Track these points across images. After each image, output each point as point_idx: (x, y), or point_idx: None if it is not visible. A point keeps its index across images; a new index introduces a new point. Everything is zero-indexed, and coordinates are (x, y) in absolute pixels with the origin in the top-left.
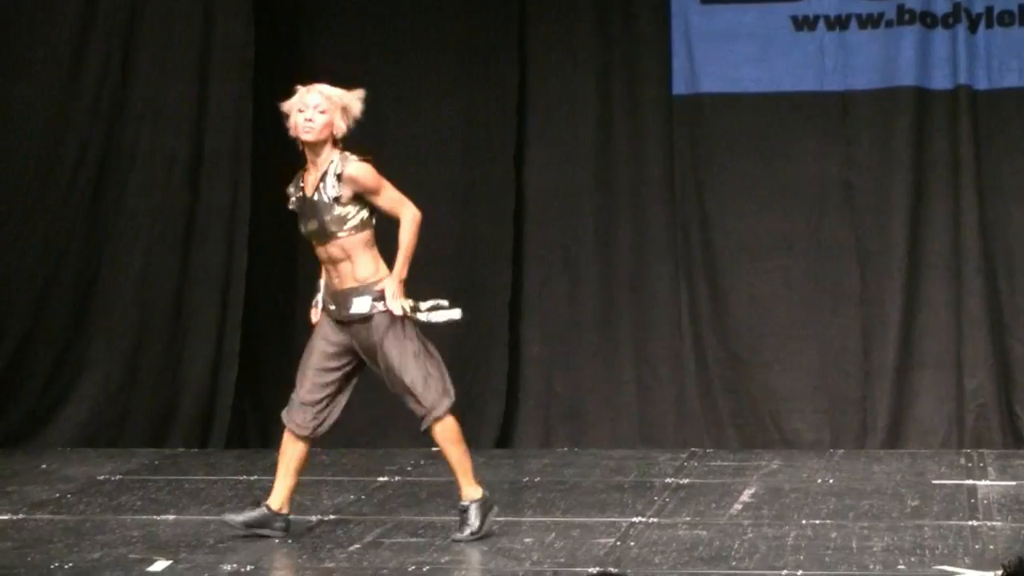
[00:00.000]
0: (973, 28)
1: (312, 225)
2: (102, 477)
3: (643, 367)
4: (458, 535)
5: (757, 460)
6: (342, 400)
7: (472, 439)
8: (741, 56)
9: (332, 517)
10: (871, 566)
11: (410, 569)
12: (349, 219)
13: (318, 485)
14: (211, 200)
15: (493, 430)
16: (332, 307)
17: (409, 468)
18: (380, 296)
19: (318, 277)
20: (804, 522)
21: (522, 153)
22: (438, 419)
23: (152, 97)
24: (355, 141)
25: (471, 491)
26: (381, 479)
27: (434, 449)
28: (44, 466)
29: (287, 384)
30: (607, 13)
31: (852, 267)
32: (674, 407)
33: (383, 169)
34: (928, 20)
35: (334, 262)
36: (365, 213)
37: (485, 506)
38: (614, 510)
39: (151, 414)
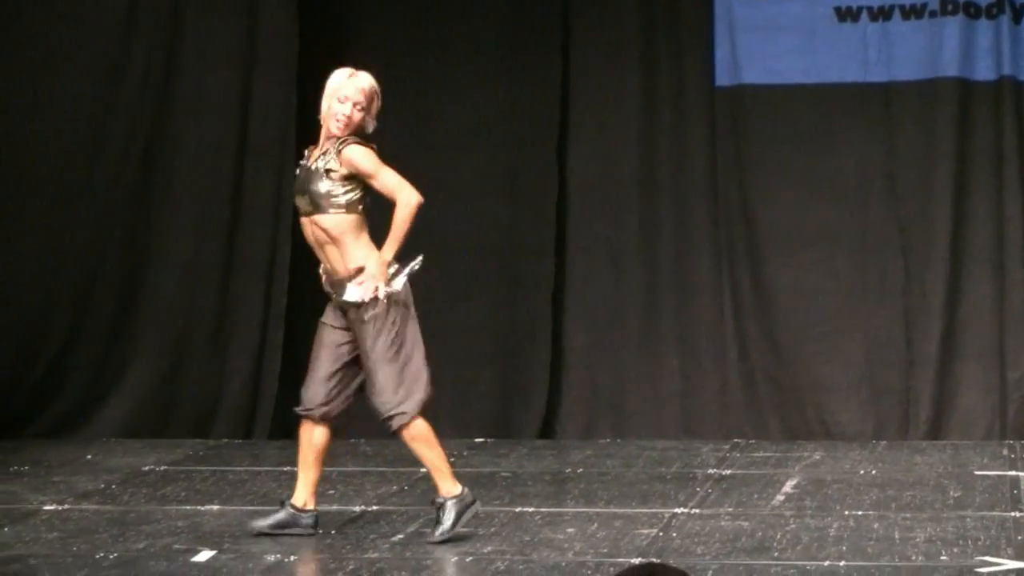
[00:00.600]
0: (1016, 19)
1: (303, 199)
2: (147, 468)
3: (686, 358)
4: (431, 536)
5: (799, 451)
6: (353, 384)
7: (515, 430)
8: (784, 47)
9: (375, 508)
10: (914, 557)
11: (453, 559)
12: (337, 196)
13: (362, 476)
14: (255, 191)
15: (536, 421)
16: (329, 290)
17: (452, 458)
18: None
19: None
20: (847, 513)
21: (565, 144)
22: (404, 424)
23: (197, 87)
24: (400, 132)
25: (448, 486)
26: (423, 470)
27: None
28: (90, 457)
29: None
30: (651, 4)
31: (895, 258)
32: (717, 398)
33: (425, 159)
34: (971, 11)
35: (320, 244)
36: (355, 195)
37: (462, 503)
38: (656, 501)
39: (196, 405)
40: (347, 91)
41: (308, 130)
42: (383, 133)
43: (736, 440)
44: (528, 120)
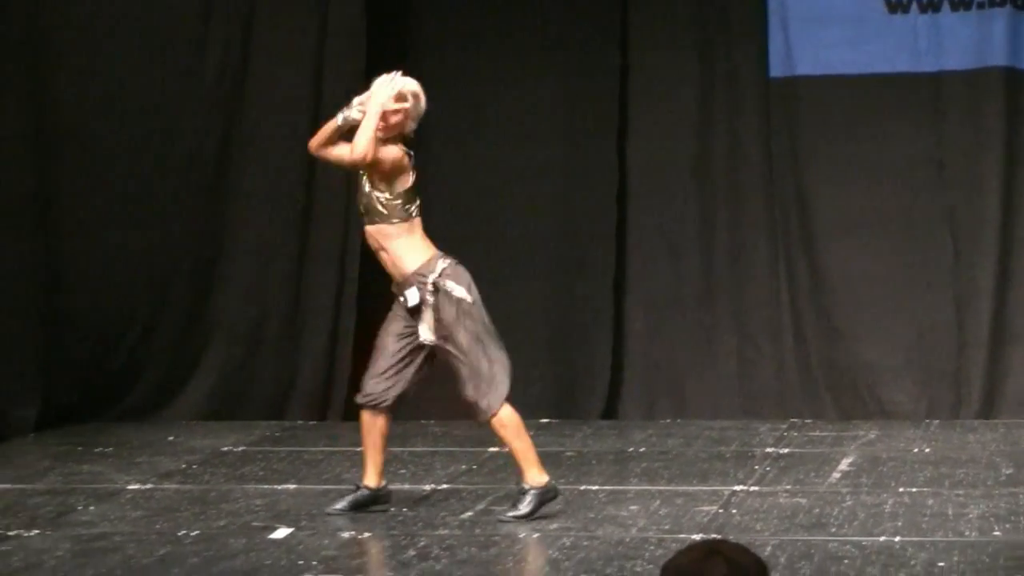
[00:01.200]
0: None
1: (359, 206)
2: (226, 448)
3: (743, 341)
4: (507, 513)
5: (855, 430)
6: (412, 373)
7: (579, 411)
8: (836, 39)
9: (445, 486)
10: (967, 532)
11: (520, 536)
12: (384, 204)
13: (432, 456)
14: (325, 182)
15: (599, 402)
16: (394, 290)
17: None
18: (430, 284)
19: None
20: (901, 490)
21: (624, 135)
22: (491, 415)
23: (270, 83)
24: (466, 122)
25: (535, 476)
26: (492, 449)
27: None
28: (171, 438)
29: None
30: None
31: (945, 243)
32: (774, 379)
33: (491, 149)
34: (1019, 1)
35: (376, 250)
36: (400, 201)
37: (545, 495)
38: (716, 479)
39: (272, 388)
40: (399, 93)
41: None
42: (450, 123)
43: (793, 420)
44: (589, 112)
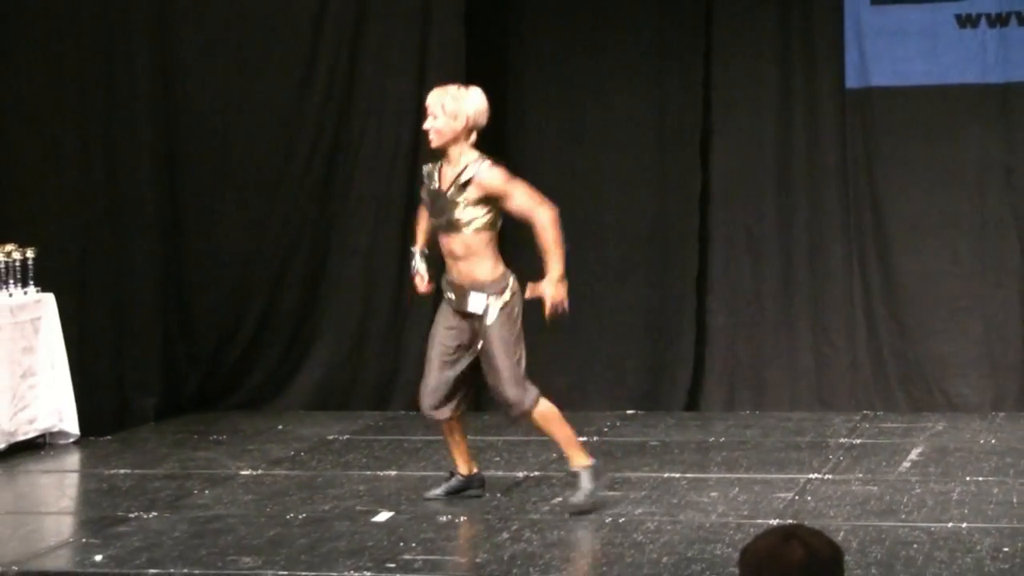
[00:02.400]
0: None
1: (441, 219)
2: (332, 437)
3: (819, 336)
4: (572, 500)
5: (924, 422)
6: (462, 377)
7: (663, 402)
8: (909, 51)
9: (536, 474)
10: None
11: (607, 520)
12: (476, 219)
13: (524, 445)
14: None
15: (682, 394)
16: (451, 296)
17: (605, 429)
18: (495, 293)
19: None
20: (968, 479)
21: (708, 142)
22: (526, 411)
23: (376, 93)
24: (560, 130)
25: (580, 459)
26: (580, 439)
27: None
28: (281, 427)
29: None
30: (787, 13)
31: (1013, 244)
32: (848, 373)
33: (582, 155)
34: None
35: (455, 258)
36: (492, 215)
37: (596, 472)
38: (792, 467)
39: (375, 380)
40: (427, 104)
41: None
42: (546, 131)
43: (865, 412)
44: (675, 120)
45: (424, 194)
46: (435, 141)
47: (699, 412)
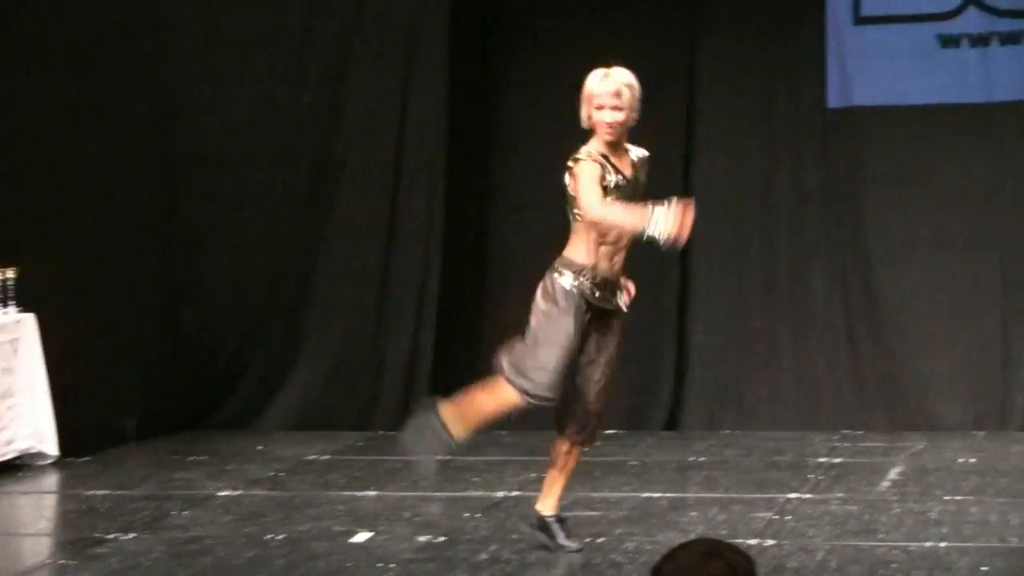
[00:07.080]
0: None
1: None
2: (312, 457)
3: (800, 356)
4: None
5: (904, 441)
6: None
7: (643, 422)
8: (891, 71)
9: (516, 493)
10: (1009, 539)
11: (586, 540)
12: None
13: (503, 465)
14: (410, 209)
15: (662, 413)
16: (597, 294)
17: (586, 448)
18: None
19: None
20: (947, 498)
21: (690, 160)
22: (502, 376)
23: (360, 113)
24: (542, 154)
25: (459, 430)
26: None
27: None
28: (261, 447)
29: (477, 374)
30: (768, 34)
31: (994, 263)
32: (828, 393)
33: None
34: None
35: (620, 248)
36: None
37: (439, 447)
38: (772, 487)
39: (356, 401)
40: (602, 99)
41: (456, 153)
42: (530, 152)
43: (845, 431)
44: (656, 140)
45: (614, 190)
46: (614, 135)
47: (679, 431)
